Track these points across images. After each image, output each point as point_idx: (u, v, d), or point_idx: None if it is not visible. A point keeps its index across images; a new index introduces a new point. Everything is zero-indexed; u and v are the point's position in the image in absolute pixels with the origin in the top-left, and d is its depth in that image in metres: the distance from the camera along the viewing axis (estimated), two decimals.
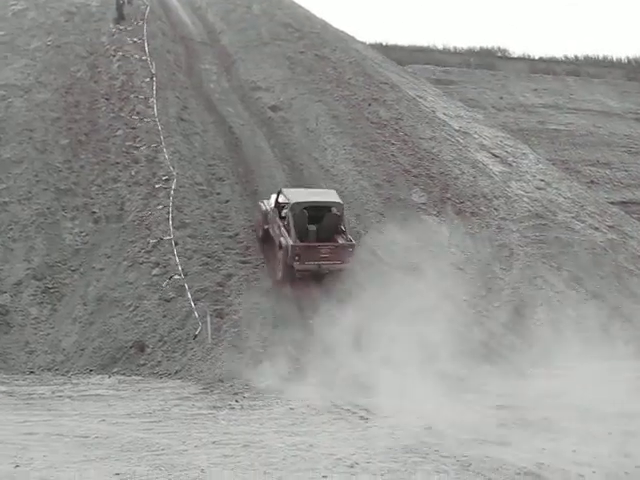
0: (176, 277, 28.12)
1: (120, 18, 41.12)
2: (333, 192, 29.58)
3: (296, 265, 27.17)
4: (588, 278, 33.13)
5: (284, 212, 27.95)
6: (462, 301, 30.37)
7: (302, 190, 29.82)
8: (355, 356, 24.79)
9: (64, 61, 38.03)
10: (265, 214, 29.61)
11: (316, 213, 27.89)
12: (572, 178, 42.82)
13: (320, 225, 28.05)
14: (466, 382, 25.30)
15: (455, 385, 24.87)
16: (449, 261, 31.87)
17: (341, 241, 27.95)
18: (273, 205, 28.97)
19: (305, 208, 27.68)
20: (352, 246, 27.80)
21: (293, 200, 27.70)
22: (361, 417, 21.60)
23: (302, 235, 27.50)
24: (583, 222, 36.19)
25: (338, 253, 27.57)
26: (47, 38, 39.33)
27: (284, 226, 27.66)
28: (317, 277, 28.13)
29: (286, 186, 30.75)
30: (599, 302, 32.08)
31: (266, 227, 29.43)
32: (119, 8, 41.38)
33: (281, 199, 28.62)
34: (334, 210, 28.24)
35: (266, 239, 29.65)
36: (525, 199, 36.17)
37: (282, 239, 27.55)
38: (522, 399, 23.32)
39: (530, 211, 35.49)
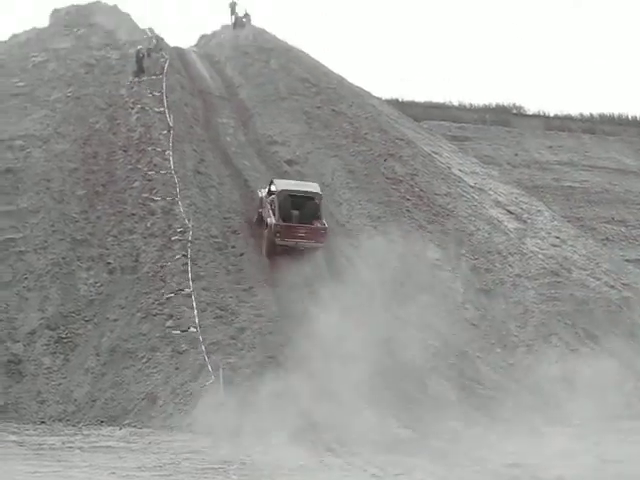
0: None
1: (140, 71, 41.51)
2: (315, 185, 33.69)
3: (277, 240, 31.17)
4: (603, 336, 32.99)
5: (274, 198, 32.08)
6: (476, 358, 30.26)
7: (290, 181, 34.18)
8: (369, 412, 24.65)
9: (83, 112, 38.43)
10: (260, 200, 33.57)
11: (300, 201, 31.99)
12: (587, 235, 42.79)
13: (302, 211, 31.95)
14: (480, 440, 25.06)
15: (469, 442, 24.66)
16: (463, 317, 31.80)
17: (317, 225, 31.78)
18: (266, 192, 33.05)
19: (290, 195, 31.90)
20: (325, 229, 31.87)
21: (280, 188, 32.07)
22: (373, 474, 21.36)
23: (286, 217, 31.57)
24: (598, 279, 36.08)
25: (313, 234, 31.58)
26: (67, 89, 39.80)
27: (271, 209, 31.84)
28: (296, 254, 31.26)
29: (279, 179, 34.21)
30: (614, 360, 31.86)
31: (260, 210, 33.37)
32: (139, 61, 41.79)
33: (273, 188, 32.63)
34: (315, 200, 32.35)
35: (260, 222, 33.21)
36: (540, 256, 36.12)
37: (269, 219, 31.69)
38: (536, 457, 23.07)
39: (545, 268, 35.42)
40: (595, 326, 33.24)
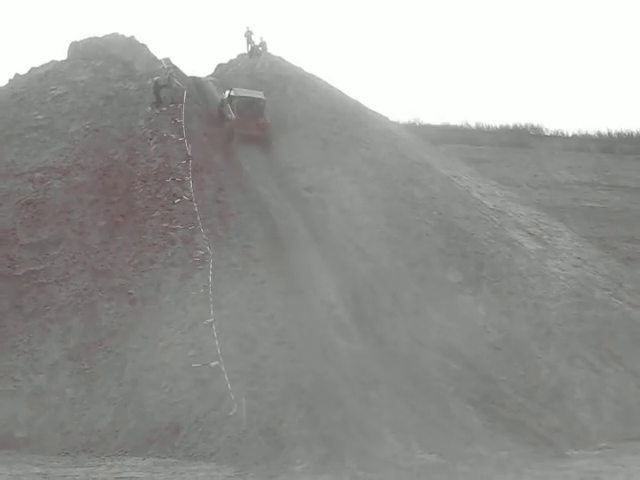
0: (213, 364, 28.02)
1: (158, 102, 41.70)
2: (261, 92, 44.61)
3: (235, 130, 42.49)
4: (627, 356, 32.75)
5: (232, 101, 43.62)
6: (500, 381, 30.09)
7: (243, 89, 44.83)
8: (393, 438, 24.54)
9: (102, 144, 38.57)
10: (221, 101, 44.70)
11: (251, 102, 43.45)
12: (609, 255, 42.55)
13: (252, 110, 43.15)
14: (505, 464, 24.90)
15: (495, 467, 24.49)
16: (486, 340, 31.66)
17: (262, 120, 42.99)
18: (227, 96, 44.40)
19: (244, 99, 43.42)
20: (268, 123, 43.03)
21: (237, 94, 43.69)
22: None
23: (241, 114, 42.91)
24: (621, 300, 35.87)
25: (260, 126, 42.78)
26: (85, 122, 39.96)
27: (231, 108, 43.35)
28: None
29: (236, 87, 44.83)
30: (639, 380, 31.64)
31: (221, 109, 44.31)
32: (156, 92, 41.98)
33: (232, 93, 43.97)
34: (261, 103, 43.70)
35: (220, 118, 43.62)
36: (562, 277, 35.95)
37: (229, 115, 43.31)
38: None
39: (567, 289, 35.24)
40: (619, 347, 33.00)
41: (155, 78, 42.68)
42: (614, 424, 29.37)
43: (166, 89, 42.78)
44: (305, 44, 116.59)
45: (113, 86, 43.29)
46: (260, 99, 44.08)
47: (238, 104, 43.35)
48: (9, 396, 28.39)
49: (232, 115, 43.21)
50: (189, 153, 37.86)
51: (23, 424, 27.71)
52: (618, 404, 30.40)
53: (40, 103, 41.68)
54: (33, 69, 46.27)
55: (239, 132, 42.51)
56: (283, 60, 50.21)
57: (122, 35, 48.86)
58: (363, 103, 48.10)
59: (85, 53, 46.33)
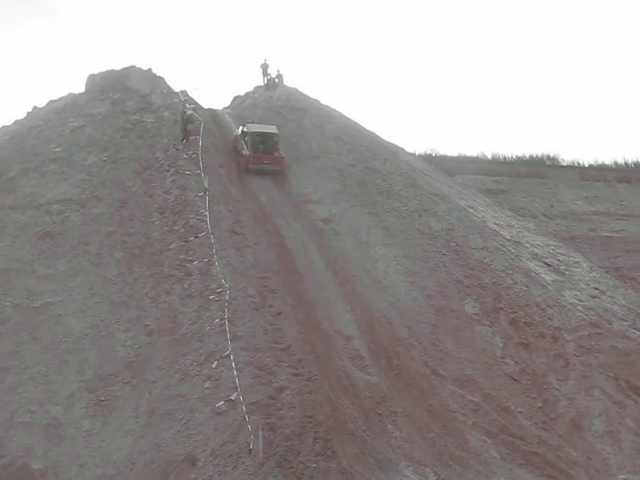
0: (233, 396, 27.87)
1: (186, 135, 42.04)
2: (274, 127, 45.63)
3: (250, 166, 43.41)
4: None
5: (246, 137, 44.46)
6: (518, 413, 29.90)
7: (257, 124, 45.75)
8: (410, 471, 24.38)
9: (119, 176, 38.82)
10: (235, 137, 46.17)
11: (264, 138, 44.11)
12: (626, 285, 42.33)
13: (265, 145, 44.04)
14: None
15: None
16: (503, 372, 31.49)
17: (276, 155, 43.82)
18: (240, 132, 45.59)
19: (257, 134, 44.21)
20: (282, 157, 43.97)
21: (251, 130, 44.56)
22: None
23: (255, 150, 43.77)
24: (639, 330, 35.64)
25: (274, 160, 43.66)
26: (103, 154, 40.27)
27: (245, 144, 44.32)
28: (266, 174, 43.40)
29: (249, 123, 45.86)
30: None
31: (236, 145, 45.55)
32: (185, 126, 42.32)
33: (245, 129, 44.99)
34: (274, 137, 44.45)
35: (235, 153, 45.01)
36: (579, 308, 35.77)
37: (243, 151, 44.21)
38: None
39: (585, 320, 35.05)
40: (638, 377, 32.73)
41: (188, 113, 43.02)
42: (634, 456, 29.09)
43: (190, 124, 43.11)
44: (321, 75, 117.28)
45: (130, 118, 43.66)
46: (273, 134, 44.66)
47: (251, 140, 43.84)
48: (25, 428, 28.32)
49: (246, 151, 43.79)
50: (206, 185, 37.99)
51: (39, 456, 27.61)
52: (638, 435, 30.12)
53: (58, 135, 42.04)
54: (51, 102, 46.83)
55: (254, 168, 43.18)
56: (299, 92, 50.65)
57: (139, 68, 49.45)
58: (379, 134, 48.33)
59: (103, 86, 46.85)
